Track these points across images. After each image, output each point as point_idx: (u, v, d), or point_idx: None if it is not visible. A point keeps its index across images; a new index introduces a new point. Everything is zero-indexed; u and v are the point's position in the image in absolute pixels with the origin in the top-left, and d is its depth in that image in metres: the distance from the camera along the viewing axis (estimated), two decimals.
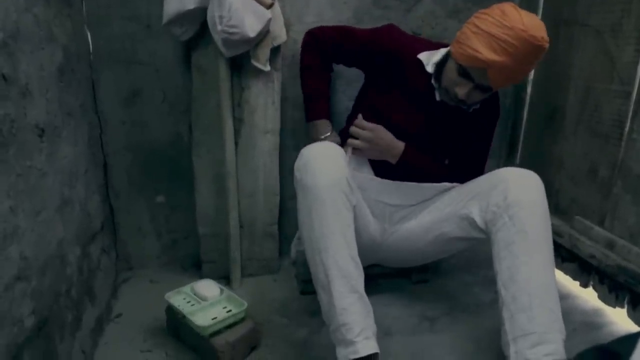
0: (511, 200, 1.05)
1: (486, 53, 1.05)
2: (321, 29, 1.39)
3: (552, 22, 1.61)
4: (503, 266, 1.03)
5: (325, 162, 1.03)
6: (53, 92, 1.01)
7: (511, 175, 1.09)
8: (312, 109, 1.38)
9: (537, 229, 1.03)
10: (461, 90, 1.14)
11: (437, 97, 1.26)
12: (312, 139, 1.35)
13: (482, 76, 1.10)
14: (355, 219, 1.15)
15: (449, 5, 1.67)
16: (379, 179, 1.28)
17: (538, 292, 0.98)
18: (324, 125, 1.36)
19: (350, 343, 0.99)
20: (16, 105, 0.82)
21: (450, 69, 1.16)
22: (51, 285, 0.94)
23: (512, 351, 0.97)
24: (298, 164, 1.06)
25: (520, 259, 1.01)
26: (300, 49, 1.41)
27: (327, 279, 1.01)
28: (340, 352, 1.01)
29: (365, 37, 1.32)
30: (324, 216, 1.01)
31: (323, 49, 1.37)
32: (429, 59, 1.24)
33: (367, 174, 1.29)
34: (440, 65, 1.21)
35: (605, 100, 1.37)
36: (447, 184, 1.27)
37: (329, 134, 1.35)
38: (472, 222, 1.15)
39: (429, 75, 1.24)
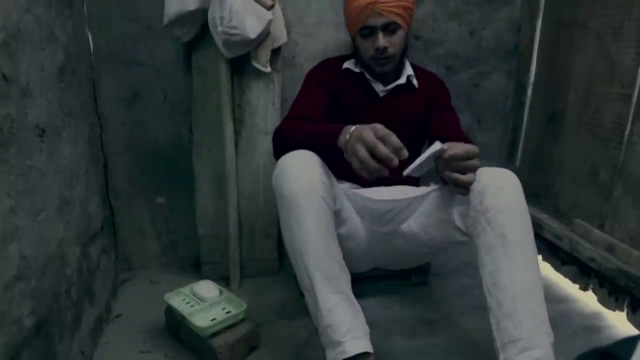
0: (487, 204, 1.02)
1: None
2: (287, 121, 1.24)
3: (552, 24, 1.61)
4: (486, 272, 1.02)
5: (299, 170, 1.03)
6: (54, 92, 1.01)
7: (486, 177, 1.05)
8: (329, 133, 1.07)
9: (517, 231, 1.00)
10: (377, 43, 1.23)
11: (380, 92, 1.33)
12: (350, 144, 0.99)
13: (377, 17, 1.21)
14: (343, 223, 1.16)
15: (449, 8, 1.67)
16: (361, 187, 1.30)
17: (521, 296, 0.96)
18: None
19: (337, 344, 0.98)
20: (17, 105, 0.83)
21: (360, 44, 1.28)
22: (51, 285, 0.94)
23: (501, 358, 0.96)
24: (275, 172, 1.07)
25: (502, 264, 0.99)
26: (275, 142, 1.23)
27: (311, 282, 1.00)
28: (329, 354, 1.00)
29: (317, 90, 1.33)
30: (303, 220, 1.00)
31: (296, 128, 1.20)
32: (351, 62, 1.35)
33: (354, 184, 1.31)
34: (357, 56, 1.32)
35: (605, 103, 1.37)
36: (432, 187, 1.26)
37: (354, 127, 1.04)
38: (456, 228, 1.14)
39: (362, 77, 1.33)
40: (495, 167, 1.11)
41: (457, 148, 0.99)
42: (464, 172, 1.00)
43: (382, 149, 0.89)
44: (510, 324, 0.96)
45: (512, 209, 1.02)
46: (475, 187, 1.04)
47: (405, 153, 0.91)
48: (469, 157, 1.00)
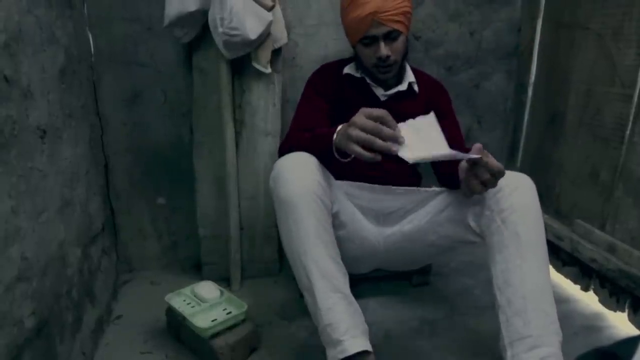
0: (504, 205, 1.05)
1: (361, 10, 1.17)
2: (291, 134, 1.25)
3: (553, 25, 1.61)
4: (497, 270, 1.04)
5: (295, 171, 1.04)
6: (54, 93, 1.01)
7: (503, 179, 1.06)
8: (324, 136, 1.08)
9: (530, 232, 1.02)
10: (380, 52, 1.21)
11: (381, 97, 1.31)
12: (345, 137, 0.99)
13: (378, 27, 1.19)
14: (343, 226, 1.17)
15: (449, 9, 1.67)
16: (368, 185, 1.27)
17: (532, 295, 0.98)
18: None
19: (337, 342, 0.99)
20: (18, 106, 0.83)
21: (361, 52, 1.26)
22: (52, 286, 0.94)
23: (508, 355, 0.97)
24: (272, 175, 1.07)
25: (514, 262, 1.01)
26: (282, 151, 1.18)
27: (310, 281, 1.01)
28: (330, 353, 1.01)
29: (317, 97, 1.32)
30: (300, 221, 1.01)
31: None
32: (352, 67, 1.33)
33: (357, 182, 1.28)
34: (358, 62, 1.31)
35: (606, 103, 1.37)
36: (437, 188, 1.27)
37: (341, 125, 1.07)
38: (467, 227, 1.16)
39: (363, 82, 1.31)
40: None
41: (495, 162, 0.99)
42: (483, 181, 1.01)
43: (386, 130, 0.93)
44: (520, 321, 0.97)
45: (527, 209, 1.04)
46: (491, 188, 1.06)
47: (402, 140, 0.94)
48: (494, 173, 0.99)
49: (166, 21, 1.30)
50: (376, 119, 0.94)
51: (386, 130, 0.93)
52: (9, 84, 0.79)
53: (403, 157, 0.93)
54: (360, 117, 0.95)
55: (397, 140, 0.93)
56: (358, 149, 0.93)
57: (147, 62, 1.46)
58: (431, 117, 1.01)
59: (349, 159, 1.03)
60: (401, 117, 1.30)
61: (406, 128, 0.98)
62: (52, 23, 1.02)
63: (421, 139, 0.97)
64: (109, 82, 1.44)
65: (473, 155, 0.97)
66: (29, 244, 0.85)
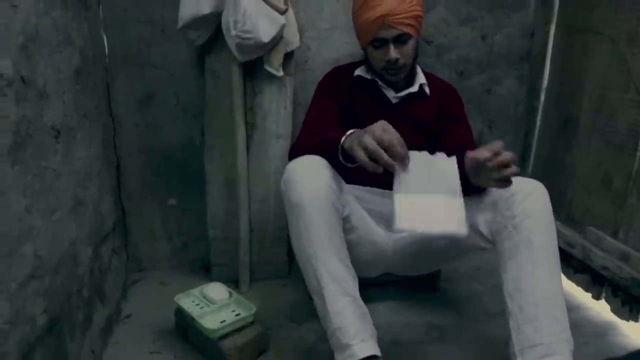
0: (516, 211, 1.04)
1: (372, 12, 1.19)
2: (301, 137, 1.26)
3: (566, 29, 1.60)
4: (509, 276, 1.03)
5: (307, 175, 1.04)
6: (69, 94, 1.02)
7: (516, 185, 1.05)
8: (332, 140, 1.07)
9: (542, 238, 1.01)
10: (389, 55, 1.22)
11: (392, 99, 1.32)
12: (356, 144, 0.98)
13: (388, 30, 1.20)
14: (353, 230, 1.17)
15: (461, 14, 1.67)
16: (379, 190, 1.27)
17: (544, 302, 0.97)
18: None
19: (347, 347, 0.98)
20: (33, 106, 0.84)
21: (371, 54, 1.27)
22: (63, 284, 0.95)
23: None
24: (283, 178, 1.07)
25: (526, 268, 1.00)
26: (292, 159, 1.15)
27: (319, 285, 1.01)
28: (338, 357, 1.00)
29: (328, 101, 1.32)
30: (311, 225, 1.01)
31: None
32: (363, 69, 1.34)
33: (367, 187, 1.29)
34: (368, 64, 1.32)
35: (620, 109, 1.36)
36: None
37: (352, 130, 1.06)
38: (478, 233, 1.15)
39: (374, 84, 1.32)
40: None
41: (502, 157, 0.93)
42: (497, 179, 0.96)
43: (398, 150, 0.94)
44: (531, 328, 0.96)
45: (540, 215, 1.03)
46: (503, 194, 1.06)
47: (407, 161, 0.96)
48: (505, 164, 0.94)
49: (180, 23, 1.31)
50: (384, 148, 0.93)
51: (398, 149, 0.94)
52: (25, 84, 0.81)
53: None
54: (379, 128, 0.95)
55: (403, 160, 0.96)
56: (364, 157, 0.94)
57: (160, 64, 1.47)
58: (452, 163, 0.98)
59: (354, 165, 1.03)
60: (413, 119, 1.31)
61: (420, 157, 0.98)
62: (67, 24, 1.03)
63: (428, 176, 0.98)
64: (123, 83, 1.46)
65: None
66: (42, 242, 0.86)
